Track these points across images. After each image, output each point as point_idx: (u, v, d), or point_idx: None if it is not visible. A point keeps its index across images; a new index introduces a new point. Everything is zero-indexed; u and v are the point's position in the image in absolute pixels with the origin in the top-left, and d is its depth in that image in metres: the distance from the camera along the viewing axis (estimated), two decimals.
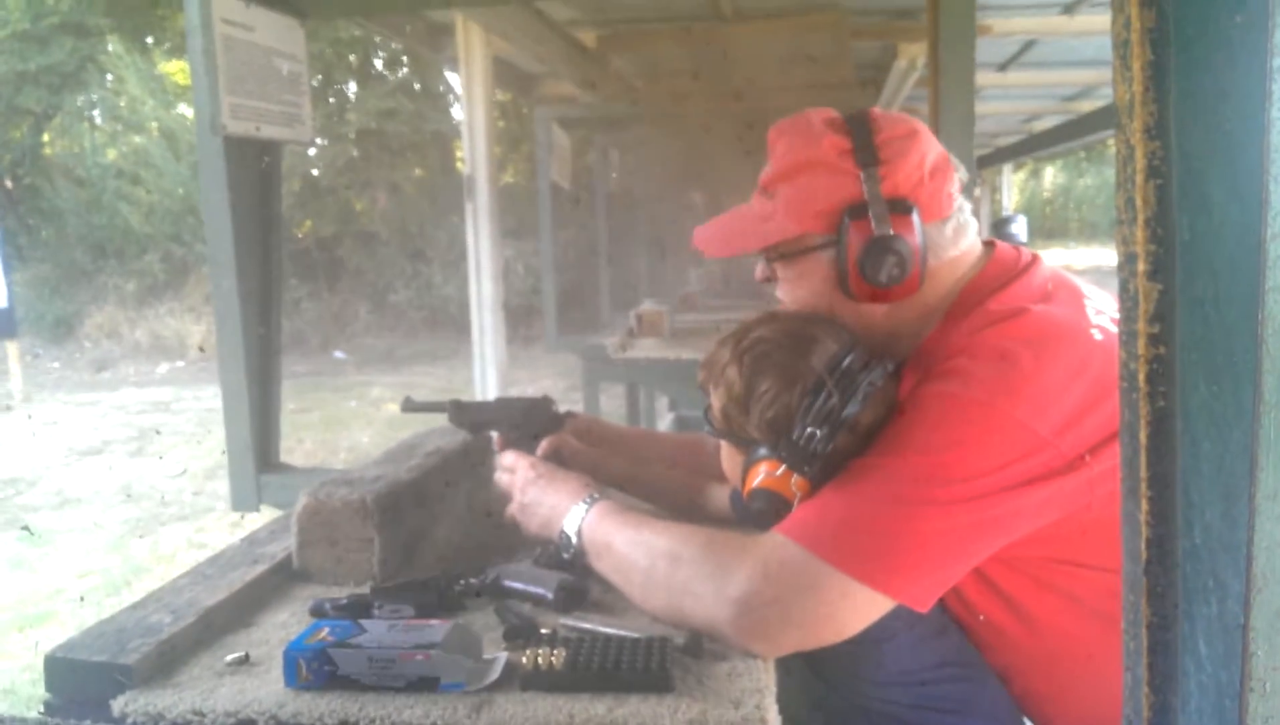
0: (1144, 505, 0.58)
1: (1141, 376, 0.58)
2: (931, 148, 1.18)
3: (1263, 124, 0.48)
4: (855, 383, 1.09)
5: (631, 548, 1.15)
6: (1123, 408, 0.59)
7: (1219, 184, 0.52)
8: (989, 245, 1.25)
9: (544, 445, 1.46)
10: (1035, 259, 1.21)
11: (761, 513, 1.12)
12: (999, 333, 1.09)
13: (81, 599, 4.24)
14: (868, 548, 1.01)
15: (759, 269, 1.29)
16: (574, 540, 1.23)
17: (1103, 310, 1.13)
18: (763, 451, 1.13)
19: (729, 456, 1.23)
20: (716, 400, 1.19)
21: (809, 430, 1.08)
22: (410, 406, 1.55)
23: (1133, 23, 0.55)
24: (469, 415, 1.55)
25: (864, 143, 1.15)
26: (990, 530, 1.02)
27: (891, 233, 1.12)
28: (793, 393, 1.11)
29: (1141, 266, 0.56)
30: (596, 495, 1.27)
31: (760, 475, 1.12)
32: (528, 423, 1.50)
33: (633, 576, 1.14)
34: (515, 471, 1.39)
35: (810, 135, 1.18)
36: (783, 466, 1.10)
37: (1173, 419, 0.56)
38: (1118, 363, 1.03)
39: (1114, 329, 1.07)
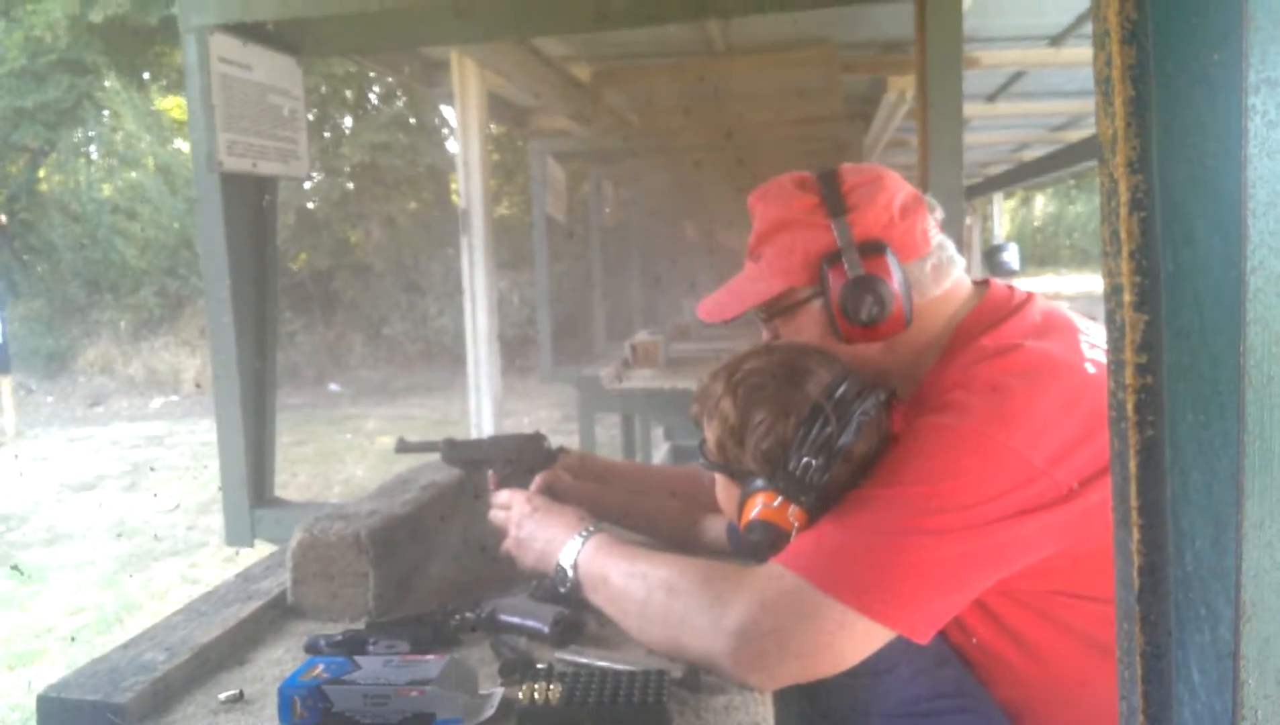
0: (1135, 534, 0.58)
1: (1130, 406, 0.58)
2: (899, 189, 1.22)
3: (1239, 159, 0.49)
4: (849, 412, 1.09)
5: (628, 580, 1.15)
6: (1112, 437, 0.60)
7: (1201, 217, 0.53)
8: (983, 284, 1.27)
9: (537, 481, 1.47)
10: (1030, 297, 1.24)
11: (759, 544, 1.12)
12: (992, 367, 1.10)
13: (73, 638, 4.19)
14: (866, 578, 1.01)
15: (763, 332, 1.33)
16: (570, 573, 1.23)
17: (1097, 344, 1.14)
18: (759, 483, 1.13)
19: (725, 490, 1.23)
20: (711, 433, 1.20)
21: (805, 460, 1.09)
22: (404, 447, 1.56)
23: (1114, 59, 0.56)
24: (462, 453, 1.55)
25: (832, 195, 1.21)
26: (988, 560, 1.02)
27: (864, 274, 1.16)
28: (788, 423, 1.11)
29: (1127, 297, 0.57)
30: (592, 528, 1.27)
31: (758, 507, 1.12)
32: (521, 459, 1.50)
33: (629, 608, 1.14)
34: (510, 508, 1.39)
35: (783, 196, 1.24)
36: (780, 497, 1.10)
37: (1161, 448, 0.57)
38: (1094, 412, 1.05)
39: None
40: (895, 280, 1.17)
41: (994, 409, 1.04)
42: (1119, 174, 0.57)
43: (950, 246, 1.25)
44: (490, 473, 1.54)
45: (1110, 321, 0.59)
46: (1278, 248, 0.49)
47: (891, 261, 1.17)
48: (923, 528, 1.01)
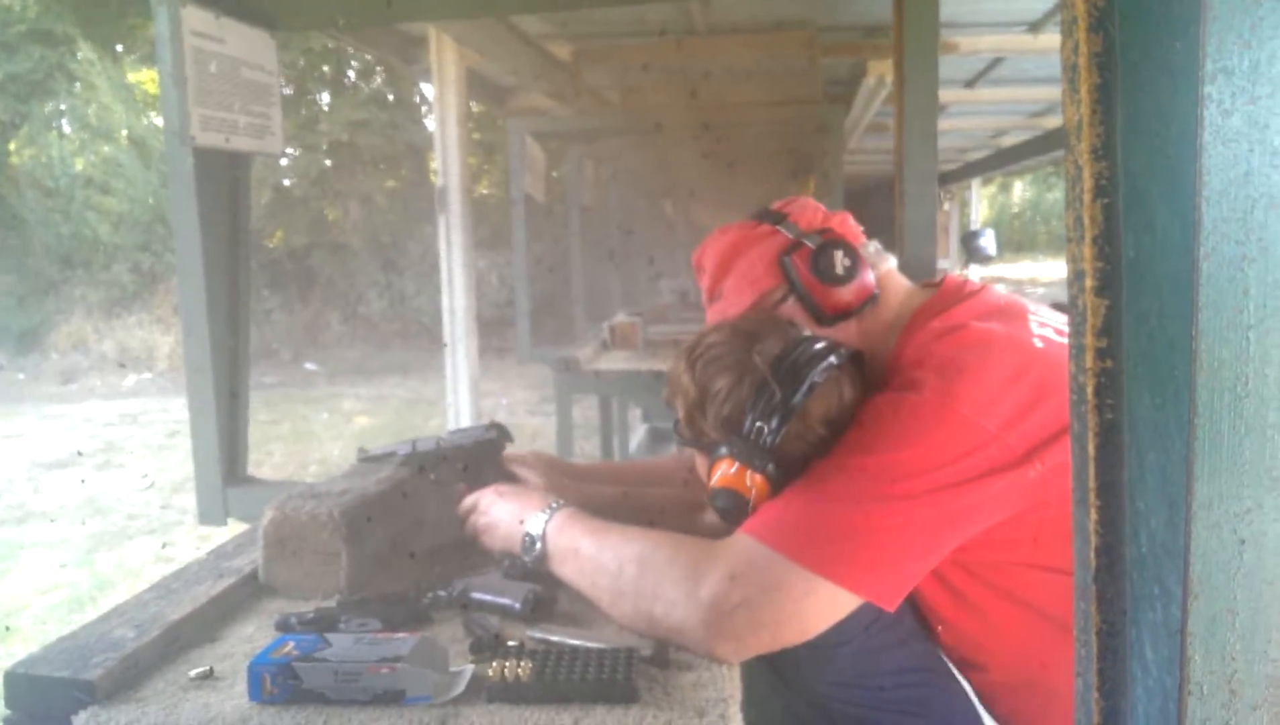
0: (1093, 514, 0.60)
1: (1090, 389, 0.59)
2: (820, 204, 1.38)
3: (1195, 147, 0.50)
4: (800, 375, 1.12)
5: (599, 552, 1.16)
6: (1072, 419, 0.61)
7: (1161, 203, 0.54)
8: (938, 283, 1.35)
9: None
10: (984, 287, 1.30)
11: (724, 511, 1.14)
12: (943, 345, 1.16)
13: (44, 624, 4.16)
14: (832, 546, 1.03)
15: None
16: (538, 544, 1.24)
17: (1047, 323, 1.19)
18: (722, 450, 1.15)
19: (700, 465, 1.24)
20: (680, 411, 1.21)
21: (758, 424, 1.11)
22: (366, 458, 1.55)
23: (1081, 47, 0.56)
24: (423, 460, 1.53)
25: (767, 214, 1.35)
26: (949, 524, 1.05)
27: (825, 240, 1.28)
28: (743, 389, 1.14)
29: (1089, 282, 0.58)
30: (560, 503, 1.28)
31: (718, 473, 1.14)
32: (482, 457, 1.50)
33: (600, 580, 1.15)
34: (477, 504, 1.40)
35: (725, 234, 1.36)
36: (736, 463, 1.12)
37: (1120, 430, 0.58)
38: (1059, 367, 1.09)
39: (1057, 338, 1.14)
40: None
41: (946, 381, 1.09)
42: (1083, 160, 0.57)
43: (878, 244, 1.37)
44: (461, 484, 1.52)
45: (1073, 306, 0.60)
46: (1229, 234, 0.50)
47: (840, 238, 1.29)
48: (885, 494, 1.03)
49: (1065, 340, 1.14)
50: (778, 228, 1.32)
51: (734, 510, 1.13)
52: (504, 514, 1.33)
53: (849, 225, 1.35)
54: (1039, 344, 1.14)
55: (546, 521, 1.24)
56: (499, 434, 1.52)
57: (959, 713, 1.21)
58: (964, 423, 1.05)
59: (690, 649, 1.06)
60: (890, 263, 1.35)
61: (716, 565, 1.05)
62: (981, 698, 1.27)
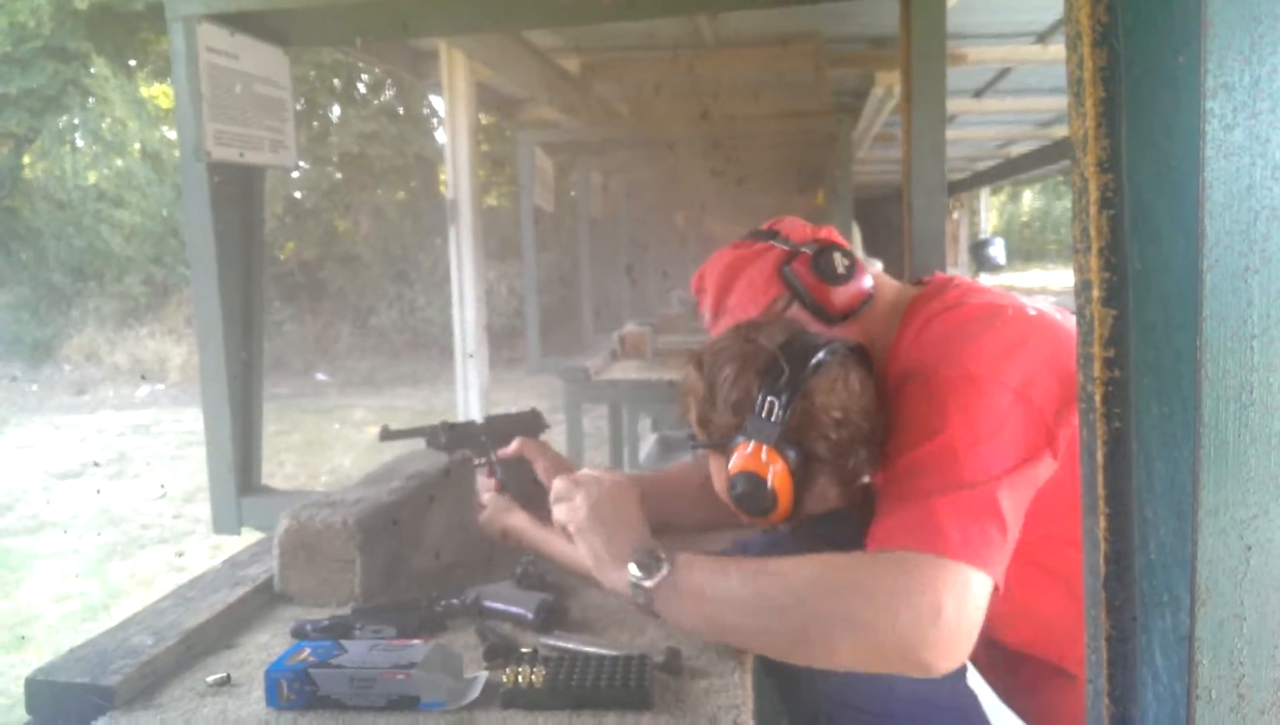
0: (1102, 522, 0.60)
1: (1098, 398, 0.60)
2: (804, 220, 1.43)
3: (1198, 161, 0.50)
4: (807, 353, 1.15)
5: (755, 587, 1.07)
6: (1081, 428, 0.62)
7: (1166, 215, 0.55)
8: (930, 278, 1.40)
9: (516, 444, 1.51)
10: (974, 281, 1.36)
11: (742, 497, 1.14)
12: (946, 321, 1.21)
13: (58, 633, 4.18)
14: (975, 536, 1.01)
15: None
16: (654, 587, 1.12)
17: (1038, 306, 1.24)
18: (737, 438, 1.15)
19: (717, 467, 1.24)
20: (693, 414, 1.23)
21: (768, 399, 1.13)
22: (389, 436, 1.56)
23: (1086, 61, 0.57)
24: (459, 437, 1.56)
25: (757, 233, 1.40)
26: (1024, 491, 1.06)
27: (822, 245, 1.33)
28: (749, 374, 1.16)
29: (1096, 293, 0.59)
30: (668, 552, 1.14)
31: (735, 460, 1.15)
32: (512, 431, 1.53)
33: (762, 617, 1.06)
34: (573, 497, 1.27)
35: (722, 257, 1.40)
36: (752, 443, 1.13)
37: (1128, 439, 0.59)
38: (1058, 332, 1.15)
39: (1049, 310, 1.21)
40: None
41: (963, 352, 1.12)
42: (1089, 173, 0.58)
43: (863, 251, 1.41)
44: (485, 469, 1.55)
45: (1080, 316, 0.60)
46: (1233, 246, 0.51)
47: (835, 244, 1.35)
48: (965, 481, 1.04)
49: (1056, 314, 1.22)
50: (772, 242, 1.37)
51: (753, 493, 1.12)
52: (600, 540, 1.20)
53: (836, 235, 1.40)
54: (1031, 312, 1.20)
55: (665, 567, 1.12)
56: (535, 418, 1.54)
57: (961, 699, 1.23)
58: (1000, 388, 1.08)
59: (899, 668, 1.01)
60: (877, 265, 1.41)
61: (912, 583, 1.00)
62: (1002, 676, 1.29)
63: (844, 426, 1.14)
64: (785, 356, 1.14)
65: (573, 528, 1.24)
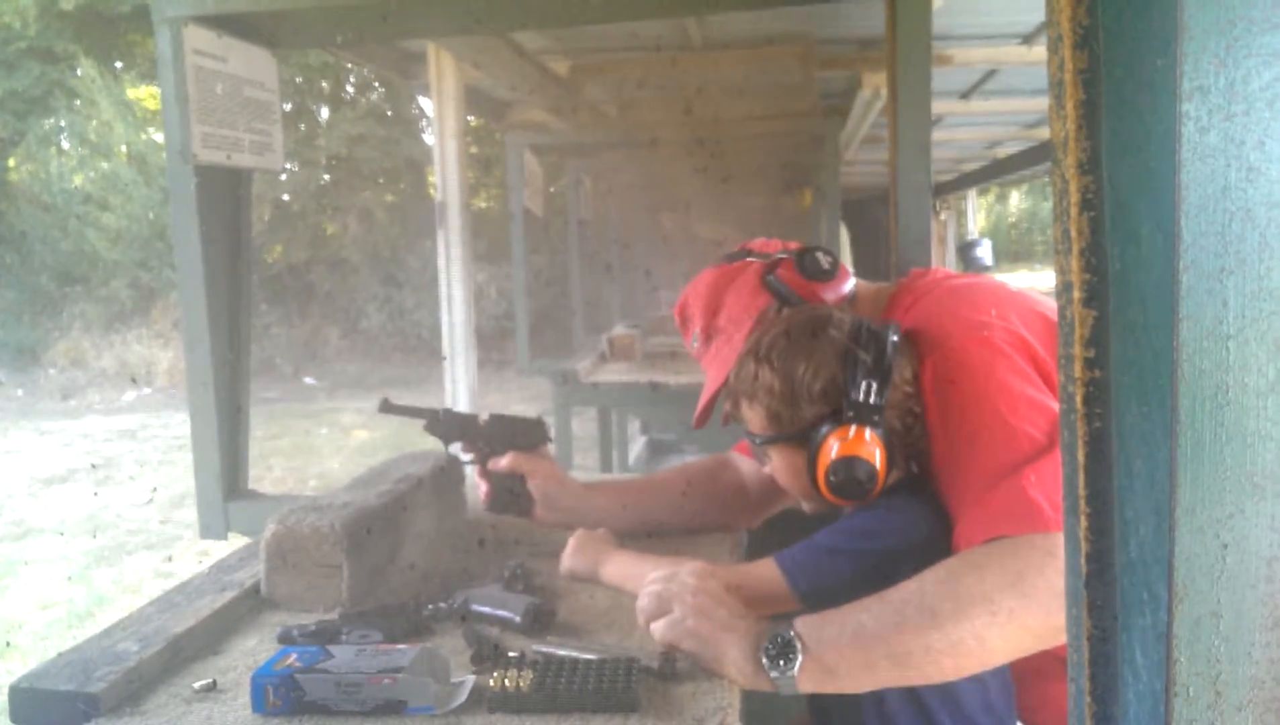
0: (1083, 522, 0.61)
1: (1079, 398, 0.60)
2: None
3: (1175, 163, 0.51)
4: (880, 337, 1.18)
5: (890, 619, 1.04)
6: (1062, 428, 0.62)
7: (1145, 217, 0.55)
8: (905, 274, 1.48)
9: (508, 458, 1.50)
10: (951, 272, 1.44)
11: (846, 483, 1.14)
12: (934, 297, 1.28)
13: (44, 639, 4.15)
14: (1060, 499, 1.01)
15: None
16: (796, 673, 1.05)
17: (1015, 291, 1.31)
18: (825, 428, 1.16)
19: (787, 461, 1.23)
20: (758, 412, 1.22)
21: (864, 382, 1.14)
22: (389, 408, 1.55)
23: (1066, 64, 0.58)
24: (456, 427, 1.54)
25: (731, 255, 1.44)
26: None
27: (800, 248, 1.39)
28: (830, 362, 1.17)
29: (1077, 294, 0.59)
30: (783, 632, 1.07)
31: (834, 448, 1.15)
32: (519, 443, 1.52)
33: (910, 641, 1.03)
34: (672, 582, 1.15)
35: (702, 281, 1.43)
36: (853, 427, 1.14)
37: (1108, 439, 0.59)
38: (1034, 305, 1.21)
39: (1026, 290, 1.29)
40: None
41: (962, 309, 1.21)
42: (1070, 174, 0.59)
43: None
44: (477, 469, 1.54)
45: (1061, 317, 0.61)
46: (1208, 248, 0.52)
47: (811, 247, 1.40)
48: (1036, 444, 1.07)
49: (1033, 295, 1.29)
50: (748, 259, 1.41)
51: (859, 478, 1.13)
52: (720, 650, 1.07)
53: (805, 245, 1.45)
54: (1013, 288, 1.29)
55: (797, 645, 1.05)
56: (538, 428, 1.54)
57: (996, 702, 1.23)
58: (1018, 341, 1.15)
59: (1053, 641, 1.02)
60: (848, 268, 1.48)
61: (1017, 565, 1.01)
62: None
63: (913, 400, 1.18)
64: (861, 343, 1.17)
65: (687, 645, 1.09)
